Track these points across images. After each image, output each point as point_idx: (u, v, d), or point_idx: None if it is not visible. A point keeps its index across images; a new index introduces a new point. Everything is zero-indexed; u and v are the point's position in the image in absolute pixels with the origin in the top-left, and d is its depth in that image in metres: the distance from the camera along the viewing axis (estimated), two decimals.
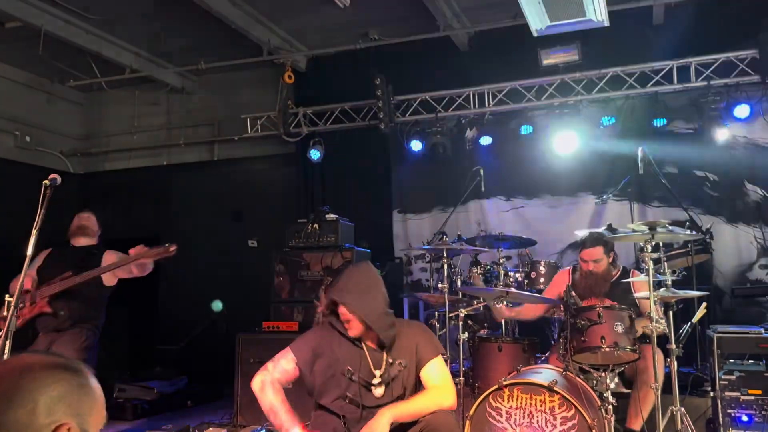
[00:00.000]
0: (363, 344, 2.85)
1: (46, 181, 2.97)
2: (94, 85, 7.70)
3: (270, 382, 2.78)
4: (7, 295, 3.44)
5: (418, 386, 2.90)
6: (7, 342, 2.64)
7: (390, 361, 2.83)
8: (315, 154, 7.03)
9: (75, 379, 1.26)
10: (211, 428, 4.66)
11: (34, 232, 2.82)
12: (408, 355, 2.86)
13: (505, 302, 4.22)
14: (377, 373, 2.80)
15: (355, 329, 2.79)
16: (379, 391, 2.79)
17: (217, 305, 6.83)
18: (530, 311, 4.56)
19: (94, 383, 1.30)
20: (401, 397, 2.82)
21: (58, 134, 8.39)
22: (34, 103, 8.02)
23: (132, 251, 3.91)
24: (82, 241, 4.30)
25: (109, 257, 4.18)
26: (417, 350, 2.87)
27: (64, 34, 6.51)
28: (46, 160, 8.04)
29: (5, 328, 2.68)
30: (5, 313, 2.75)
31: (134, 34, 6.97)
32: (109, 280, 4.17)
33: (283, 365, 2.84)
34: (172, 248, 3.88)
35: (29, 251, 2.81)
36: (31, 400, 1.18)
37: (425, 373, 2.84)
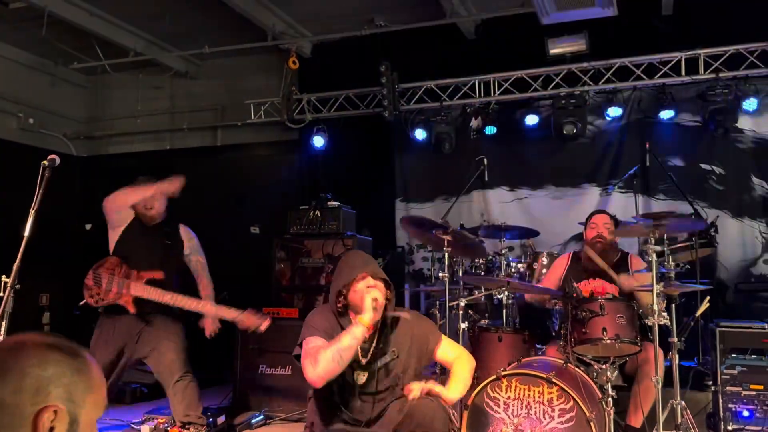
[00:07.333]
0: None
1: (45, 162, 2.93)
2: (97, 68, 7.65)
3: (312, 354, 2.66)
4: (3, 276, 3.41)
5: (416, 377, 2.89)
6: (3, 323, 2.60)
7: (381, 346, 2.82)
8: (318, 141, 7.00)
9: (72, 362, 1.17)
10: (209, 413, 4.65)
11: (31, 213, 2.79)
12: (403, 345, 2.85)
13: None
14: (363, 360, 2.79)
15: (379, 304, 2.71)
16: (360, 378, 2.78)
17: None
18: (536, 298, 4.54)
19: (94, 370, 1.21)
20: (390, 389, 2.80)
21: (62, 117, 8.33)
22: (37, 84, 7.96)
23: (234, 315, 3.92)
24: (153, 219, 4.27)
25: (186, 236, 4.41)
26: (418, 343, 2.88)
27: (68, 15, 6.44)
28: (49, 143, 7.99)
29: (1, 310, 2.64)
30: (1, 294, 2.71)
31: (138, 17, 6.90)
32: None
33: (317, 344, 2.71)
34: (265, 325, 3.87)
35: (26, 232, 2.78)
36: (18, 379, 1.10)
37: (441, 356, 2.98)
